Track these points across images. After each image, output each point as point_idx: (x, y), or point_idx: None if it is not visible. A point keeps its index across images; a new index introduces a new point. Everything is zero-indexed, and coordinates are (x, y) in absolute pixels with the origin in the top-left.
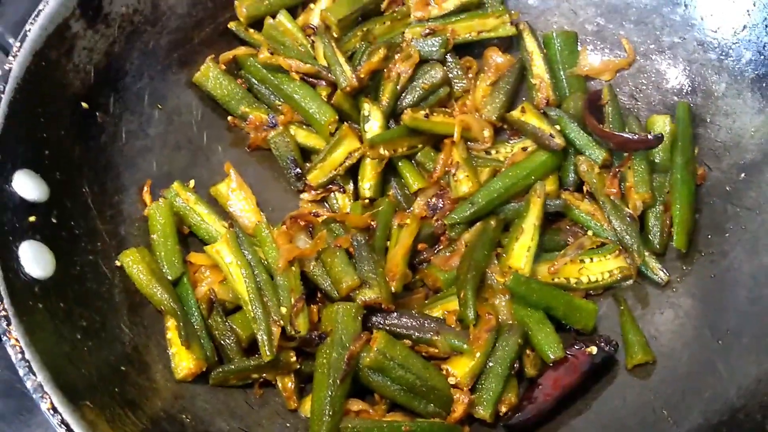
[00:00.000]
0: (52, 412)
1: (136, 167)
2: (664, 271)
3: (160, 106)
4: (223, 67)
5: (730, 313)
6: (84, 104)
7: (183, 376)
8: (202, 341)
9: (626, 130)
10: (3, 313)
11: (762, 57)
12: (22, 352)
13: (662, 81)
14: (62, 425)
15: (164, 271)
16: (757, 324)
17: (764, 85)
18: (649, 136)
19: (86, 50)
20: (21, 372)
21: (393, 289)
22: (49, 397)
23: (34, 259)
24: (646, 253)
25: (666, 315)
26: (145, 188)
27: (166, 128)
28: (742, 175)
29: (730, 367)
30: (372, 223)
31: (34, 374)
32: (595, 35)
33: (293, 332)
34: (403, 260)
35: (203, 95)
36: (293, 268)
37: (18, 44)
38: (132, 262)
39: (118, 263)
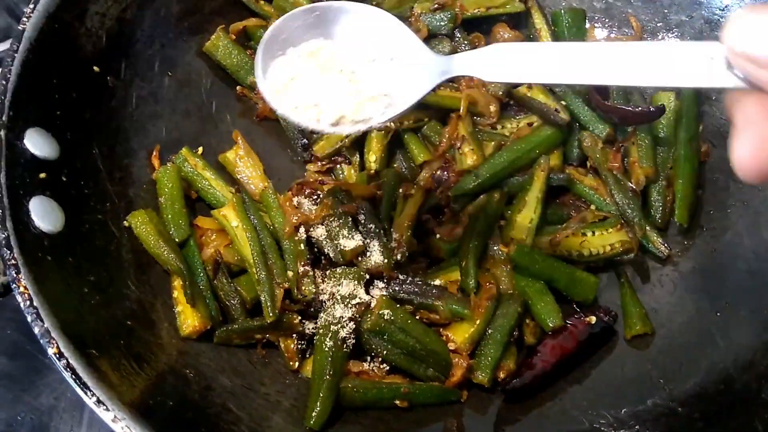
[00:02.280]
0: (58, 356)
1: (146, 132)
2: (666, 245)
3: (170, 74)
4: (233, 37)
5: (729, 287)
6: (96, 68)
7: (188, 334)
8: (208, 301)
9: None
10: (12, 262)
11: None
12: (30, 299)
13: None
14: (68, 369)
15: (171, 233)
16: (755, 297)
17: None
18: (651, 108)
19: (98, 15)
20: (29, 318)
21: (398, 257)
22: (56, 342)
23: (44, 214)
24: (648, 228)
25: (666, 288)
26: (154, 153)
27: (176, 95)
28: None
29: (728, 338)
30: (377, 192)
31: (42, 320)
32: (603, 12)
33: (299, 296)
34: (408, 229)
35: (213, 64)
36: (299, 233)
37: (32, 6)
38: (140, 222)
39: (126, 224)
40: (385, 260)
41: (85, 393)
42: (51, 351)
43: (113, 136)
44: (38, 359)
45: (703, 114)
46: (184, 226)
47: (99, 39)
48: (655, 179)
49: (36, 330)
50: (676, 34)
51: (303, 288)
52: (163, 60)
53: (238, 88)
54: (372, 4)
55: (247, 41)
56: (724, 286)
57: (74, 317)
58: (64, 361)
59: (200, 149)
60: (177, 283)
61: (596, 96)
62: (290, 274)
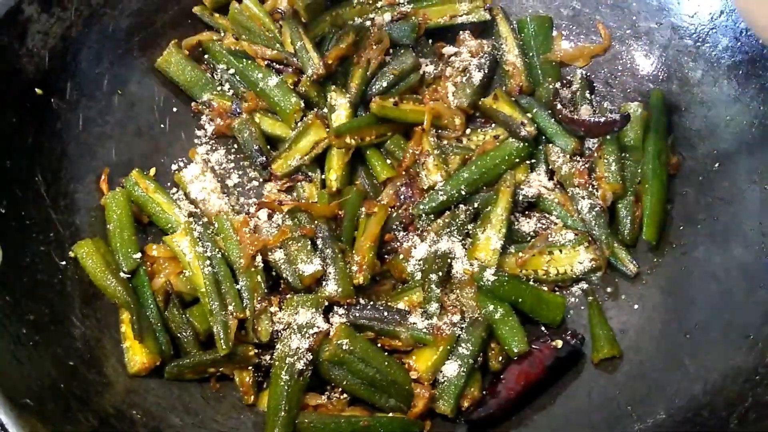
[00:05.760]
0: None
1: (94, 155)
2: (634, 263)
3: (120, 92)
4: (187, 52)
5: (699, 307)
6: (38, 90)
7: (136, 371)
8: (158, 334)
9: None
10: None
11: (739, 43)
12: None
13: (638, 68)
14: None
15: (119, 262)
16: (726, 318)
17: (740, 72)
18: (615, 117)
19: (40, 34)
20: None
21: (361, 279)
22: None
23: None
24: (616, 245)
25: (635, 308)
26: (103, 177)
27: (127, 114)
28: (716, 164)
29: (696, 362)
30: (339, 212)
31: None
32: (571, 20)
33: (256, 339)
34: (371, 250)
35: (166, 80)
36: (256, 262)
37: None
38: (86, 253)
39: (71, 254)
40: (340, 290)
41: None
42: None
43: (58, 161)
44: None
45: (673, 125)
46: (133, 255)
47: (41, 59)
48: (622, 195)
49: None
50: (645, 41)
51: (260, 330)
52: (112, 78)
53: (192, 104)
54: (332, 15)
55: (201, 55)
56: (694, 306)
57: (8, 363)
58: None
59: (153, 170)
60: (125, 316)
61: (561, 108)
62: (247, 313)
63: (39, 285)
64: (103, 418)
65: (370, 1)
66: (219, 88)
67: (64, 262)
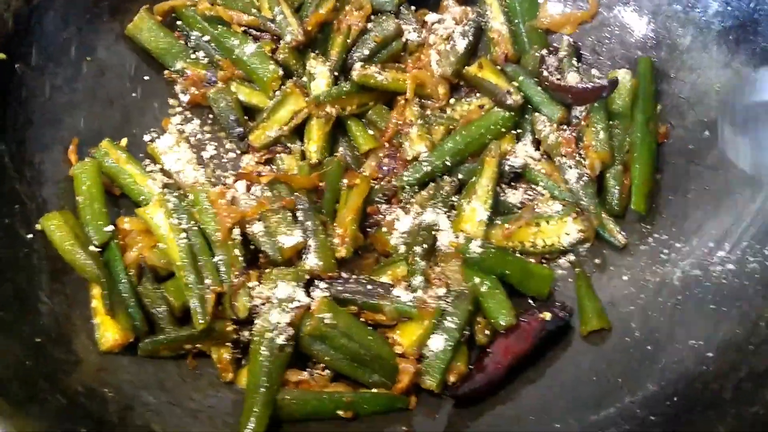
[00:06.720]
0: None
1: (62, 124)
2: (623, 234)
3: (89, 59)
4: (159, 18)
5: (689, 279)
6: (1, 55)
7: (108, 348)
8: (131, 310)
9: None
10: None
11: (729, 8)
12: None
13: (626, 34)
14: None
15: (90, 235)
16: (718, 289)
17: (730, 38)
18: (603, 83)
19: None
20: None
21: (343, 253)
22: None
23: None
24: (604, 215)
25: (624, 279)
26: (71, 147)
27: (97, 82)
28: (706, 132)
29: (687, 334)
30: (320, 184)
31: None
32: None
33: (234, 315)
34: (353, 223)
35: (137, 47)
36: (234, 235)
37: None
38: (54, 226)
39: (38, 227)
40: (322, 263)
41: None
42: None
43: (23, 130)
44: None
45: (662, 92)
46: (104, 227)
47: (5, 23)
48: (610, 164)
49: None
50: (633, 7)
51: (238, 305)
52: (80, 44)
53: (165, 72)
54: None
55: (174, 20)
56: (685, 277)
57: None
58: None
59: (124, 141)
60: (96, 291)
61: (547, 76)
62: (225, 287)
63: (3, 260)
64: (72, 397)
65: None
66: (193, 56)
67: (30, 236)
